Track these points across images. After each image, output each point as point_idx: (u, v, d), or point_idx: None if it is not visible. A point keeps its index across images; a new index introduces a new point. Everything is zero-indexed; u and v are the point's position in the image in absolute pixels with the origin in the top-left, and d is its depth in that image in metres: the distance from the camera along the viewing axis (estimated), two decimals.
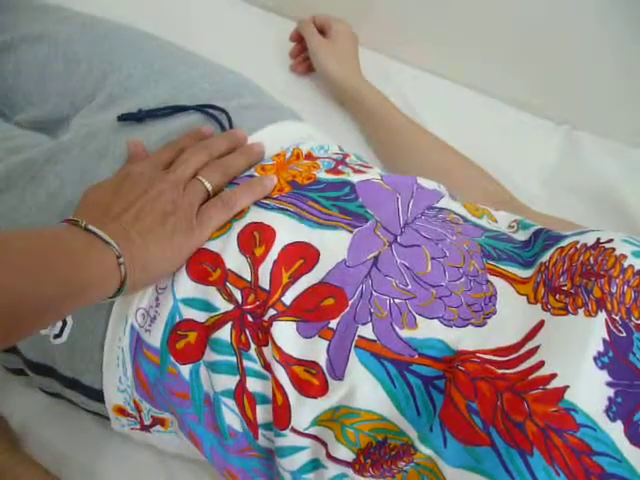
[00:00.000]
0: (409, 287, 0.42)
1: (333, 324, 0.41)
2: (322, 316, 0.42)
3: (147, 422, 0.49)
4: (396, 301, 0.42)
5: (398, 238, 0.45)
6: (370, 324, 0.41)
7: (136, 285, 0.42)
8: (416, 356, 0.40)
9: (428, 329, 0.41)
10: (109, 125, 0.54)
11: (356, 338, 0.41)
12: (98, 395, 0.49)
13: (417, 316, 0.41)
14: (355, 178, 0.49)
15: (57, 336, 0.43)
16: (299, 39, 0.82)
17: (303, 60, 0.83)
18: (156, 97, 0.56)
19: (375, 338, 0.40)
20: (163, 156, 0.49)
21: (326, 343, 0.41)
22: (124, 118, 0.54)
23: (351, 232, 0.44)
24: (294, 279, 0.43)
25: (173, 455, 0.56)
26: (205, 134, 0.52)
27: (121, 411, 0.49)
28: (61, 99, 0.60)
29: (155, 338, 0.44)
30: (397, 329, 0.41)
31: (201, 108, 0.55)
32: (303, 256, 0.43)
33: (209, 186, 0.47)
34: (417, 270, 0.43)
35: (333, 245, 0.43)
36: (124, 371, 0.46)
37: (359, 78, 0.78)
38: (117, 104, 0.57)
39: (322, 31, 0.79)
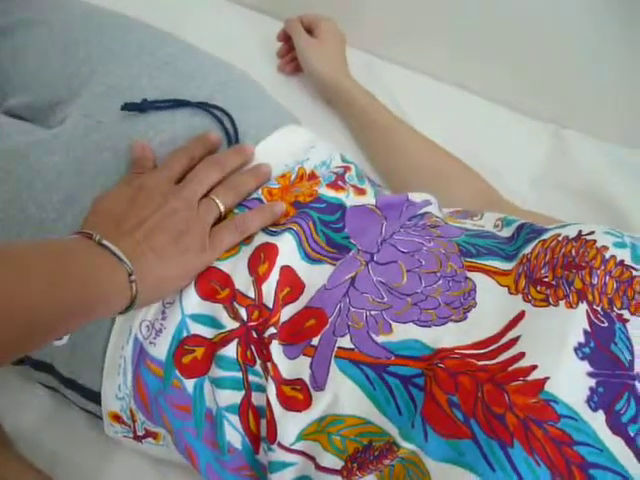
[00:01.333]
0: (385, 299, 0.44)
1: (315, 341, 0.43)
2: (305, 336, 0.43)
3: (140, 433, 0.50)
4: (372, 313, 0.43)
5: (374, 256, 0.46)
6: (348, 335, 0.42)
7: (145, 302, 0.42)
8: (393, 358, 0.41)
9: (404, 332, 0.42)
10: (110, 117, 0.53)
11: (335, 349, 0.42)
12: (95, 397, 0.49)
13: (392, 322, 0.42)
14: (349, 202, 0.50)
15: (58, 339, 0.43)
16: (286, 39, 0.82)
17: (291, 60, 0.83)
18: (157, 87, 0.56)
19: (353, 347, 0.42)
20: (175, 168, 0.48)
21: (309, 360, 0.42)
22: (128, 108, 0.53)
23: (334, 265, 0.45)
24: (284, 303, 0.44)
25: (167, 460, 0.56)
26: (213, 142, 0.52)
27: (116, 418, 0.49)
28: (57, 84, 0.59)
29: (160, 351, 0.45)
30: (373, 336, 0.42)
31: (205, 107, 0.54)
32: (290, 285, 0.45)
33: (222, 207, 0.47)
34: (393, 283, 0.44)
35: (316, 278, 0.45)
36: (124, 380, 0.46)
37: (347, 77, 0.78)
38: (117, 94, 0.55)
39: (309, 30, 0.79)
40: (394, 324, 0.42)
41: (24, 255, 0.36)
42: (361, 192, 0.53)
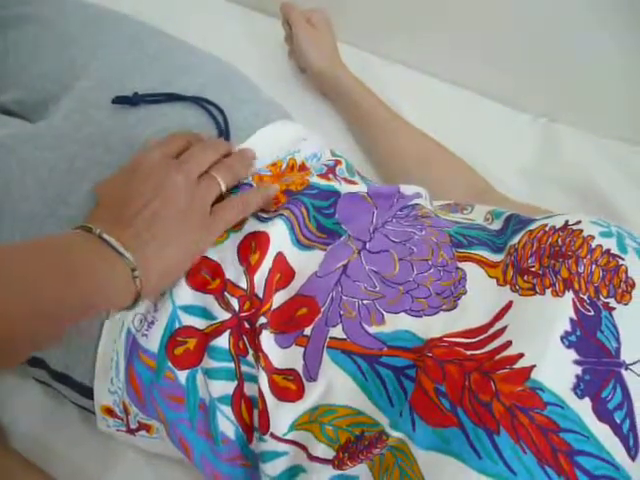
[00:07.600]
0: (377, 289, 0.43)
1: (307, 331, 0.42)
2: (297, 326, 0.43)
3: (133, 426, 0.50)
4: (364, 302, 0.43)
5: (367, 244, 0.46)
6: (340, 325, 0.42)
7: (151, 293, 0.42)
8: (385, 349, 0.41)
9: (396, 323, 0.42)
10: (101, 111, 0.53)
11: (327, 339, 0.42)
12: (87, 392, 0.49)
13: (385, 313, 0.42)
14: (342, 189, 0.50)
15: None
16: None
17: None
18: (148, 82, 0.55)
19: (345, 337, 0.42)
20: (172, 144, 0.48)
21: (302, 350, 0.42)
22: (119, 101, 0.53)
23: (324, 250, 0.45)
24: (276, 290, 0.44)
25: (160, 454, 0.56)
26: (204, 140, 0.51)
27: (109, 412, 0.49)
28: (49, 79, 0.59)
29: (152, 343, 0.45)
30: (365, 326, 0.42)
31: (197, 100, 0.54)
32: (281, 271, 0.44)
33: (223, 185, 0.46)
34: (385, 273, 0.44)
35: (307, 265, 0.45)
36: (117, 373, 0.47)
37: (342, 69, 0.78)
38: (108, 88, 0.55)
39: None
40: (386, 314, 0.42)
41: (24, 254, 0.36)
42: (352, 183, 0.53)
